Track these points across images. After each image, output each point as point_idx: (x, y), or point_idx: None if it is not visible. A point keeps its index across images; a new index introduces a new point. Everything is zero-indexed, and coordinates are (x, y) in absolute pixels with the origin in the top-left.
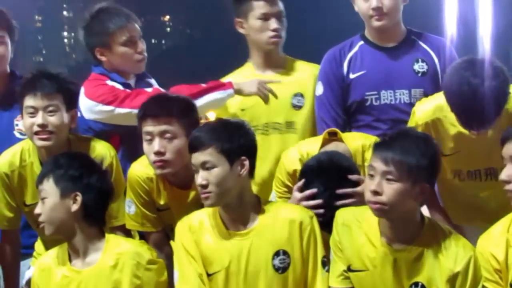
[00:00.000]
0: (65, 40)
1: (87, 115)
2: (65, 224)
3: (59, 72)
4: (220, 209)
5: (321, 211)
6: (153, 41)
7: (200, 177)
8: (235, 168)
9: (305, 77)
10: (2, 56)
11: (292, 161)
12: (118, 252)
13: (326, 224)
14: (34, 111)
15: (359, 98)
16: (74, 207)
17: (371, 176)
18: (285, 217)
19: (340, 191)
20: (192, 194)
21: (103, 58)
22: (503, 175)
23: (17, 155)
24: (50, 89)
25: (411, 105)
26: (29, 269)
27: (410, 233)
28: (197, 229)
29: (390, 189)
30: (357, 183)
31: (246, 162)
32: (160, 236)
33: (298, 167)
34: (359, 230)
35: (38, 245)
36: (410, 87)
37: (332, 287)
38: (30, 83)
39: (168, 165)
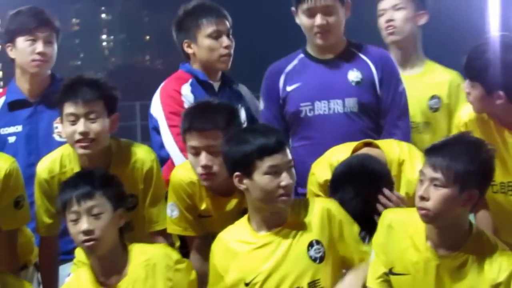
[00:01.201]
0: (104, 44)
1: (153, 111)
2: (113, 241)
3: (99, 78)
4: (250, 213)
5: None
6: None
7: (287, 177)
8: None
9: (443, 80)
10: (50, 57)
11: (323, 171)
12: (146, 259)
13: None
14: (75, 119)
15: (294, 109)
16: (122, 222)
17: (421, 181)
18: (311, 208)
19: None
20: (233, 202)
21: (189, 51)
22: None
23: (57, 161)
24: (91, 96)
25: (345, 115)
26: (69, 276)
27: (456, 240)
28: (230, 243)
29: (436, 195)
30: (391, 187)
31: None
32: (202, 241)
33: (329, 177)
34: (404, 233)
35: (79, 251)
36: (344, 97)
37: None
38: (70, 90)
39: (216, 177)
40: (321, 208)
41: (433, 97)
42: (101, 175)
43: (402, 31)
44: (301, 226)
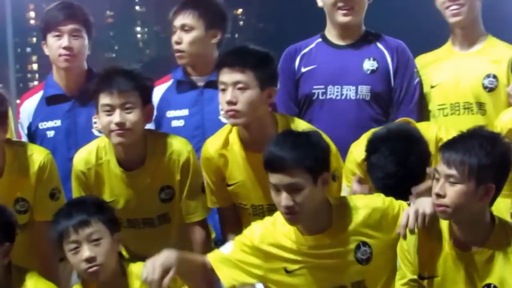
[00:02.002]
0: (138, 36)
1: None
2: (114, 266)
3: (133, 68)
4: None
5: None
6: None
7: (286, 199)
8: (318, 186)
9: (501, 58)
10: (78, 51)
11: (361, 150)
12: (140, 285)
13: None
14: (110, 109)
15: (307, 91)
16: (119, 247)
17: (437, 179)
18: (357, 210)
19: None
20: None
21: None
22: None
23: (93, 153)
24: (126, 87)
25: (357, 101)
26: None
27: (480, 235)
28: (275, 233)
29: (452, 192)
30: (428, 158)
31: (328, 177)
32: (230, 213)
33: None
34: (428, 236)
35: None
36: (357, 84)
37: None
38: (105, 81)
39: (240, 116)
40: (366, 209)
41: (488, 75)
42: (93, 202)
43: (470, 12)
44: (347, 229)
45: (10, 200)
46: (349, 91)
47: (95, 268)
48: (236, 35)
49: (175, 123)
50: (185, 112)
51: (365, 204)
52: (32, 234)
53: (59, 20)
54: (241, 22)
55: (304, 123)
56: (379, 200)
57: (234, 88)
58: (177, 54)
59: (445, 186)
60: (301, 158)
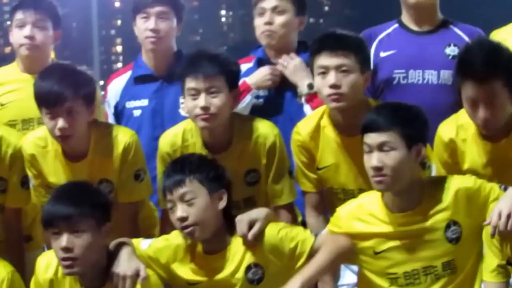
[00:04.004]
0: (223, 19)
1: None
2: (214, 224)
3: (220, 53)
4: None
5: None
6: (310, 20)
7: (375, 158)
8: (412, 154)
9: None
10: (165, 33)
11: (449, 130)
12: None
13: None
14: (196, 93)
15: (386, 76)
16: (222, 205)
17: None
18: (448, 188)
19: None
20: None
21: None
22: None
23: (179, 135)
24: (212, 71)
25: (439, 86)
26: None
27: None
28: (362, 215)
29: None
30: None
31: (423, 150)
32: (317, 198)
33: (453, 135)
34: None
35: None
36: (439, 68)
37: (486, 282)
38: (191, 65)
39: (343, 99)
40: (458, 188)
41: None
42: (192, 161)
43: None
44: (438, 207)
45: (94, 181)
46: (431, 76)
47: (190, 228)
48: (321, 21)
49: (254, 101)
50: (265, 92)
51: (456, 183)
52: (115, 215)
53: (147, 2)
54: (326, 8)
55: None
56: (471, 180)
57: (337, 72)
58: (266, 33)
59: None
60: (395, 121)
